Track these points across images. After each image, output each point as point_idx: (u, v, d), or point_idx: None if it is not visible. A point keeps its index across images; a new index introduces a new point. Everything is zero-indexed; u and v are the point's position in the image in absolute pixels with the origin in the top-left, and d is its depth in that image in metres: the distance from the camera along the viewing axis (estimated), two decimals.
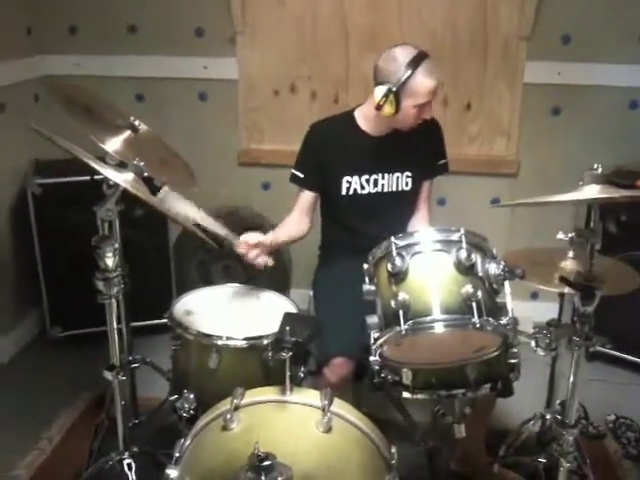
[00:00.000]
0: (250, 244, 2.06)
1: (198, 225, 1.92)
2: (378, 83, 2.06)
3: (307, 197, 2.26)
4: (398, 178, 2.23)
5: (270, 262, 2.13)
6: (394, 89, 2.01)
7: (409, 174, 2.24)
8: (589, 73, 3.01)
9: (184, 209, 1.90)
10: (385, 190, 2.23)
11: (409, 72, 2.00)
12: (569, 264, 1.80)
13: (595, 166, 1.50)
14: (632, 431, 2.55)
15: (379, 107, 2.05)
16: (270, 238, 2.13)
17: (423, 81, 2.02)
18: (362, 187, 2.22)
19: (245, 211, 3.22)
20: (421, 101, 2.04)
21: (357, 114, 2.22)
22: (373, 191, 2.23)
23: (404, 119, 2.09)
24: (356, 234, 2.23)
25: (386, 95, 2.02)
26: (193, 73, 3.17)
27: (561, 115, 3.10)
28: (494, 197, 3.15)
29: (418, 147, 2.20)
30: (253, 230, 2.16)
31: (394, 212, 2.25)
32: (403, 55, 2.03)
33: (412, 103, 2.04)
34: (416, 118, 2.09)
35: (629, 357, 2.92)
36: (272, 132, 3.25)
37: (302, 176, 2.24)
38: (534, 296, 3.25)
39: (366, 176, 2.21)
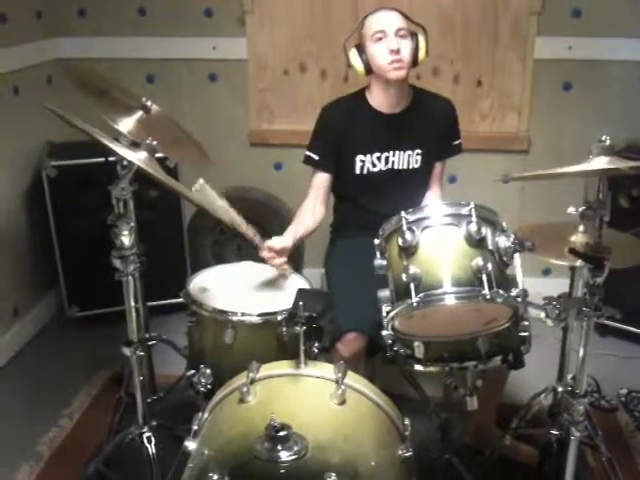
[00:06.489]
0: (275, 249, 2.08)
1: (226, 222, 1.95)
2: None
3: (322, 179, 2.26)
4: (409, 156, 2.24)
5: (289, 273, 2.13)
6: (355, 42, 2.11)
7: (419, 152, 2.24)
8: (600, 48, 2.99)
9: (216, 205, 1.92)
10: (396, 167, 2.24)
11: (363, 21, 2.11)
12: (579, 238, 1.80)
13: (603, 138, 1.50)
14: None
15: (349, 65, 2.12)
16: (290, 240, 2.12)
17: (374, 16, 2.10)
18: (374, 165, 2.23)
19: (258, 193, 3.24)
20: (378, 34, 2.07)
21: (367, 92, 2.23)
22: (384, 169, 2.24)
23: (378, 65, 2.10)
24: (367, 212, 2.24)
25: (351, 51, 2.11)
26: (203, 54, 3.18)
27: (572, 90, 3.09)
28: (505, 174, 3.13)
29: (430, 125, 2.19)
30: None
31: (405, 190, 2.25)
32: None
33: (371, 43, 2.08)
34: (385, 56, 2.07)
35: None
36: (283, 112, 3.25)
37: (317, 158, 2.24)
38: (546, 272, 3.26)
39: (377, 154, 2.22)
